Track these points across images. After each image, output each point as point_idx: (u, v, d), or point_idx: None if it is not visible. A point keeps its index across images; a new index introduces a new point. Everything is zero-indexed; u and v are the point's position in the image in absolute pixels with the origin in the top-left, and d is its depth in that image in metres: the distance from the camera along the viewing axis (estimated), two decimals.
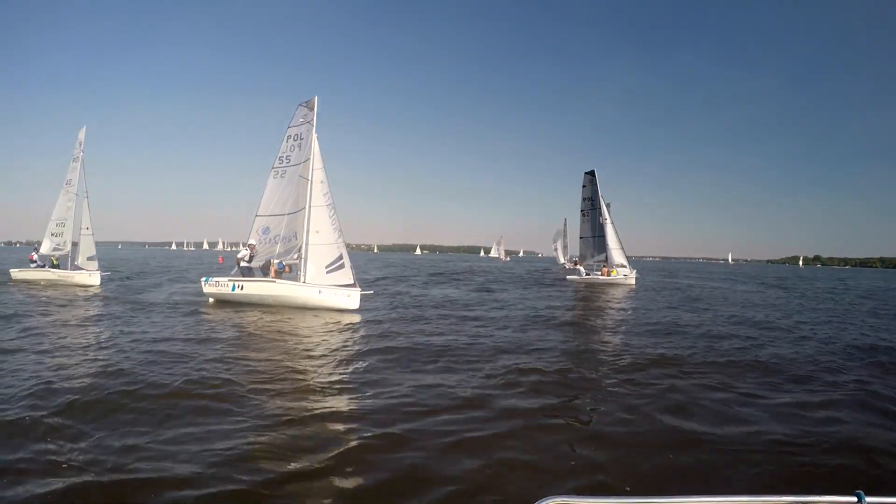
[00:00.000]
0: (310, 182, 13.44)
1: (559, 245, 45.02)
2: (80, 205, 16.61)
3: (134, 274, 23.39)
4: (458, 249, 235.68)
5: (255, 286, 12.46)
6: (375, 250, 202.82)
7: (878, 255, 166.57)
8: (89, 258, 16.33)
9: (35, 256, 17.18)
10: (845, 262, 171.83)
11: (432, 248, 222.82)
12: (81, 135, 16.97)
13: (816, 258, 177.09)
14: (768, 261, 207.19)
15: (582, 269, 25.92)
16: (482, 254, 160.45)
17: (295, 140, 14.23)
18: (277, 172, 14.13)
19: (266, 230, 13.79)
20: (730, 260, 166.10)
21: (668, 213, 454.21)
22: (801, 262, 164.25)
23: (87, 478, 3.14)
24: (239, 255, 13.35)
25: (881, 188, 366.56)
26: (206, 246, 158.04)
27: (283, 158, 14.20)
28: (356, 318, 11.05)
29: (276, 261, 13.17)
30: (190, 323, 9.55)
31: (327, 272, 13.23)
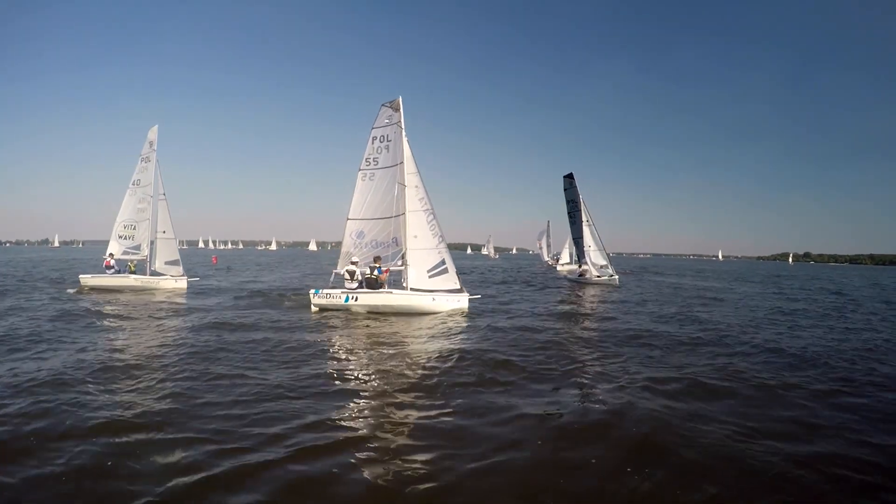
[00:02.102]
0: (405, 187, 13.54)
1: (543, 243, 47.31)
2: (155, 206, 16.18)
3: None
4: (449, 247, 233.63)
5: (371, 297, 12.59)
6: None
7: (867, 252, 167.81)
8: (168, 262, 16.03)
9: (112, 262, 16.49)
10: (835, 258, 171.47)
11: None
12: (152, 134, 16.30)
13: (806, 255, 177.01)
14: (758, 257, 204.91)
15: (583, 268, 25.58)
16: (469, 251, 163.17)
17: (381, 142, 14.10)
18: (365, 175, 14.04)
19: (360, 234, 13.85)
20: (720, 257, 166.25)
21: (659, 211, 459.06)
22: (790, 259, 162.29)
23: None
24: (346, 271, 13.12)
25: (869, 186, 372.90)
26: (200, 244, 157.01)
27: (371, 160, 14.09)
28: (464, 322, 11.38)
29: (368, 269, 13.16)
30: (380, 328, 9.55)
31: (429, 276, 13.50)
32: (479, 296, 14.54)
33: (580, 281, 24.79)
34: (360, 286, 12.86)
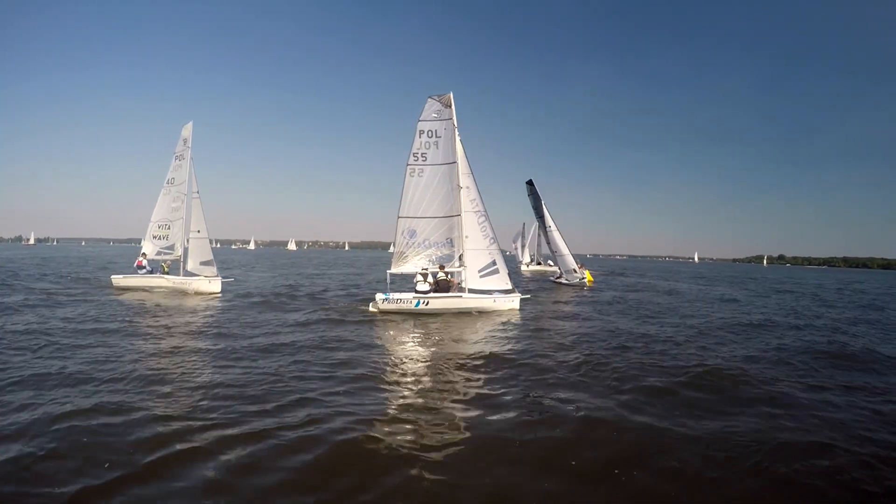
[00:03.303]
0: (458, 188, 13.07)
1: (518, 245, 47.82)
2: (189, 205, 15.54)
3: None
4: None
5: (441, 301, 12.33)
6: (346, 248, 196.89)
7: (840, 255, 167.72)
8: (203, 262, 15.36)
9: (144, 262, 15.95)
10: (809, 261, 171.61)
11: None
12: (186, 131, 15.69)
13: (781, 257, 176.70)
14: (734, 259, 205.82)
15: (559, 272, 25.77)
16: None
17: (429, 136, 13.49)
18: (414, 171, 13.41)
19: (412, 233, 13.24)
20: (696, 259, 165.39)
21: (636, 212, 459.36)
22: (765, 262, 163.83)
23: None
24: (419, 274, 12.70)
25: (844, 189, 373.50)
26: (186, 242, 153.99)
27: (419, 155, 13.45)
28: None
29: (443, 273, 12.88)
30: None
31: (481, 276, 13.12)
32: (529, 296, 14.46)
33: (559, 283, 24.84)
34: (432, 289, 12.56)
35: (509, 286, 13.00)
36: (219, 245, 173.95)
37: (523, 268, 40.81)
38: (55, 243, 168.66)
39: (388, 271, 13.30)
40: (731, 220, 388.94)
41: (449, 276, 12.65)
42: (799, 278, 47.90)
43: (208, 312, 11.59)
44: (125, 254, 67.02)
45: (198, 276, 15.20)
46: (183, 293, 14.83)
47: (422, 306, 12.11)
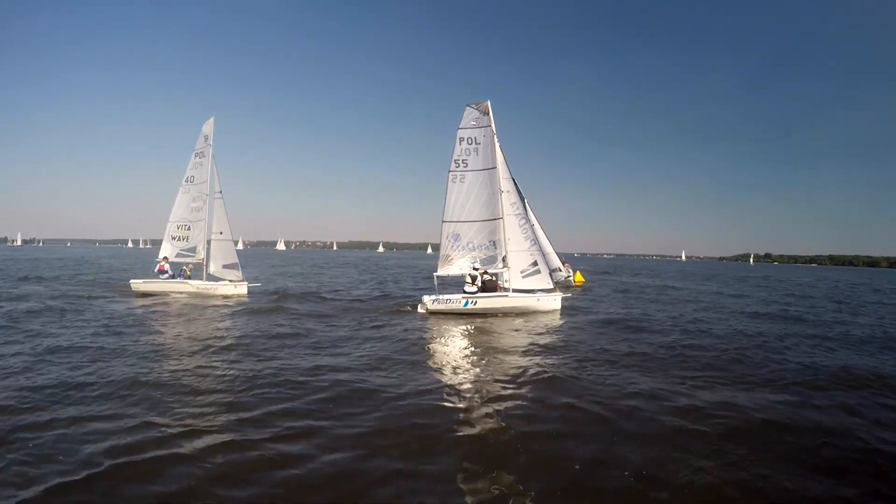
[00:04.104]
0: (500, 192, 13.61)
1: None
2: (211, 206, 14.87)
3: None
4: (413, 247, 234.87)
5: (488, 301, 12.79)
6: (334, 248, 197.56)
7: (826, 254, 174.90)
8: (226, 265, 14.69)
9: (167, 267, 14.96)
10: (795, 259, 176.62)
11: (388, 246, 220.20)
12: (207, 127, 14.94)
13: (767, 256, 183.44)
14: (721, 258, 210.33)
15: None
16: (429, 251, 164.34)
17: (469, 143, 14.03)
18: (455, 177, 13.89)
19: (456, 237, 13.60)
20: (683, 257, 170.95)
21: (624, 212, 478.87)
22: (751, 260, 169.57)
23: None
24: (468, 275, 13.11)
25: (829, 188, 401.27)
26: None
27: (460, 162, 13.95)
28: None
29: (488, 275, 13.36)
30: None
31: (523, 277, 13.65)
32: (570, 294, 15.22)
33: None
34: (480, 290, 12.97)
35: (551, 286, 13.71)
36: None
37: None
38: (41, 244, 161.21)
39: (434, 274, 13.60)
40: (717, 219, 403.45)
41: (493, 277, 13.19)
42: (796, 277, 46.51)
43: (257, 324, 11.15)
44: (118, 255, 62.46)
45: (222, 280, 14.50)
46: (209, 298, 14.13)
47: (470, 306, 12.60)
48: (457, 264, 13.48)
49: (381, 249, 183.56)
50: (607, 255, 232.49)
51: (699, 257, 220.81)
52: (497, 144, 13.89)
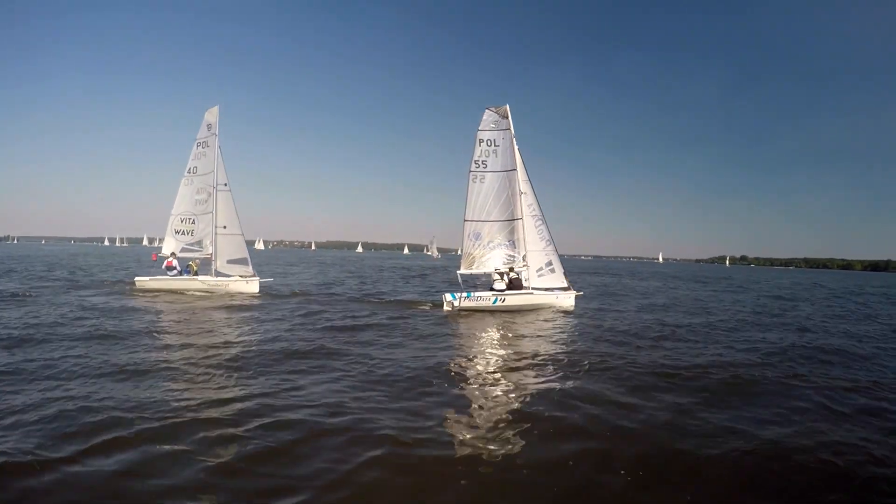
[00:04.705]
0: (519, 193, 13.73)
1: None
2: (216, 199, 14.11)
3: None
4: (391, 247, 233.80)
5: (515, 298, 13.24)
6: (313, 247, 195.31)
7: (801, 256, 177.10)
8: (232, 261, 14.01)
9: (175, 262, 14.03)
10: (771, 262, 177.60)
11: (367, 246, 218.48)
12: (211, 116, 14.05)
13: (743, 258, 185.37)
14: (697, 260, 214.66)
15: None
16: (406, 251, 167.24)
17: (489, 145, 14.19)
18: (476, 177, 14.03)
19: (477, 236, 13.76)
20: (660, 259, 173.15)
21: (602, 214, 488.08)
22: (727, 262, 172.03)
23: None
24: (497, 273, 13.49)
25: (804, 192, 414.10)
26: (145, 242, 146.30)
27: (480, 163, 14.10)
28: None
29: (511, 274, 13.68)
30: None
31: (538, 275, 14.00)
32: (583, 293, 15.73)
33: None
34: (507, 288, 13.36)
35: (565, 284, 14.25)
36: None
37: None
38: (15, 242, 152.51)
39: (458, 272, 13.65)
40: (694, 222, 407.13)
41: (518, 275, 13.60)
42: (778, 280, 46.23)
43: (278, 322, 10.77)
44: (101, 252, 59.37)
45: (232, 276, 13.86)
46: (220, 295, 13.49)
47: (499, 303, 12.98)
48: (479, 262, 13.59)
49: (359, 249, 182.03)
50: (584, 256, 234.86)
51: (676, 259, 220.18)
52: (516, 147, 13.99)
